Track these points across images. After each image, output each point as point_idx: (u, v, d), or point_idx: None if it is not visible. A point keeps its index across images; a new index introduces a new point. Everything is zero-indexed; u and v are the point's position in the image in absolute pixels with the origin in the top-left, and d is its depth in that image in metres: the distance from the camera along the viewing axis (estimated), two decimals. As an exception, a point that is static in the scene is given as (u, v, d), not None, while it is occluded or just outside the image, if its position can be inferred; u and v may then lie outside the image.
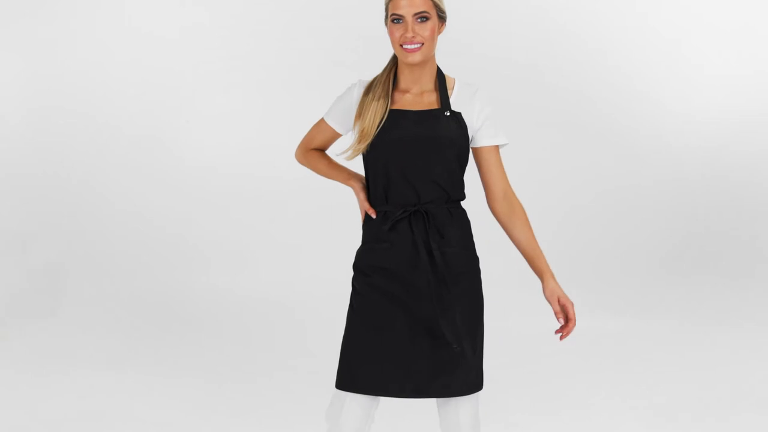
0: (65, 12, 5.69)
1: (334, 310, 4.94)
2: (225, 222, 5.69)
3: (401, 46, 2.18)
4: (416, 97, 2.26)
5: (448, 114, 2.22)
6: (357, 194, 2.32)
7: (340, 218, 5.34)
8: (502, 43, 5.91)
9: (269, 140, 5.82)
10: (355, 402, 2.23)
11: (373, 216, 2.26)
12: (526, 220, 2.30)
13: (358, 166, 2.36)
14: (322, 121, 2.40)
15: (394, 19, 2.18)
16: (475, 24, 5.81)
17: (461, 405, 2.24)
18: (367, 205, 2.28)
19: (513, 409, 3.69)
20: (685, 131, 6.21)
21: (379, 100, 2.24)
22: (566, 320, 2.24)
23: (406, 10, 2.15)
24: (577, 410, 3.72)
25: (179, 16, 5.81)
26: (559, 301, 2.25)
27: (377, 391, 2.22)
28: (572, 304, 2.25)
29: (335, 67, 5.78)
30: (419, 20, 2.16)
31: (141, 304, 5.18)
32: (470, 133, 2.25)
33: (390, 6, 2.19)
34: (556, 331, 2.26)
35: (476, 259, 2.30)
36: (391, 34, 2.20)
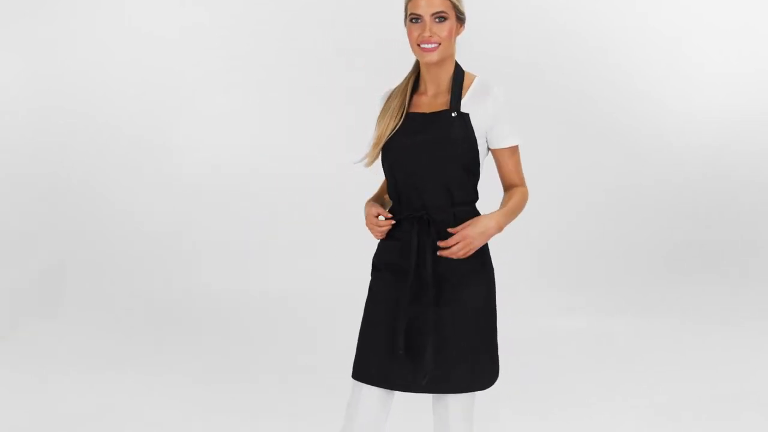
0: (65, 12, 5.68)
1: (334, 308, 4.96)
2: (225, 222, 5.69)
3: (419, 45, 2.20)
4: (432, 99, 2.27)
5: (455, 115, 2.21)
6: (371, 208, 2.31)
7: (339, 218, 5.33)
8: (503, 42, 5.90)
9: (269, 140, 5.82)
10: (370, 393, 2.27)
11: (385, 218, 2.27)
12: (519, 196, 2.25)
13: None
14: None
15: (412, 18, 2.20)
16: (475, 23, 5.78)
17: (451, 402, 2.26)
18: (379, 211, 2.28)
19: (513, 408, 3.68)
20: (687, 130, 6.21)
21: (396, 105, 2.27)
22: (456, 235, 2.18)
23: (425, 9, 2.17)
24: (578, 409, 3.71)
25: (179, 16, 5.81)
26: (467, 224, 2.19)
27: (383, 384, 2.25)
28: (468, 235, 2.17)
29: (335, 67, 5.78)
30: (437, 20, 2.18)
31: (141, 303, 5.18)
32: (481, 133, 2.23)
33: (409, 6, 2.21)
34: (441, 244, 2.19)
35: (484, 263, 2.27)
36: (409, 33, 2.22)
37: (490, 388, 2.31)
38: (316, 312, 5.05)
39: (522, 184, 2.28)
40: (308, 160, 5.77)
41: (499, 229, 2.21)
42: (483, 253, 2.26)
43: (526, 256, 5.59)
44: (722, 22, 6.22)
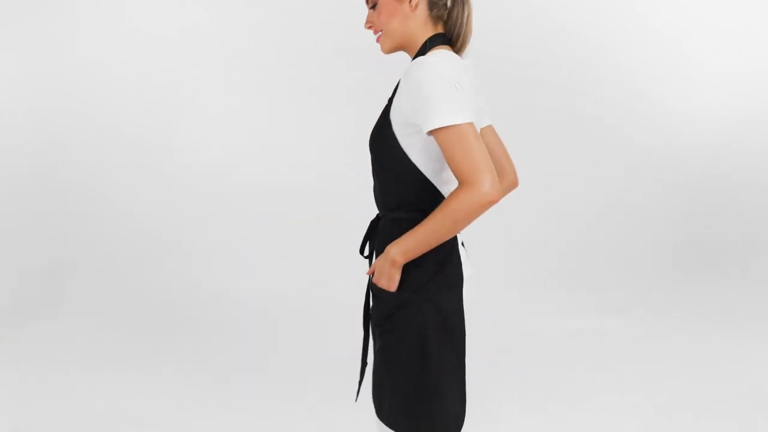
0: (65, 12, 5.68)
1: (339, 310, 4.95)
2: (225, 222, 5.68)
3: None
4: None
5: (387, 103, 1.87)
6: None
7: (341, 217, 5.33)
8: (503, 42, 5.90)
9: (269, 140, 5.82)
10: None
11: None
12: (437, 211, 1.72)
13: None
14: None
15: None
16: (475, 23, 5.80)
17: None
18: None
19: (514, 408, 3.68)
20: (687, 130, 6.21)
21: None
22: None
23: None
24: (578, 408, 3.71)
25: (179, 16, 5.81)
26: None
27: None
28: (375, 269, 1.83)
29: (335, 67, 5.78)
30: (371, 7, 1.90)
31: (141, 304, 5.17)
32: (402, 120, 1.78)
33: None
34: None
35: (414, 284, 1.81)
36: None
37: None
38: (320, 313, 5.05)
39: (466, 179, 1.68)
40: (308, 160, 5.77)
41: (394, 263, 1.78)
42: (410, 267, 1.82)
43: (526, 257, 5.58)
44: (722, 22, 6.22)
